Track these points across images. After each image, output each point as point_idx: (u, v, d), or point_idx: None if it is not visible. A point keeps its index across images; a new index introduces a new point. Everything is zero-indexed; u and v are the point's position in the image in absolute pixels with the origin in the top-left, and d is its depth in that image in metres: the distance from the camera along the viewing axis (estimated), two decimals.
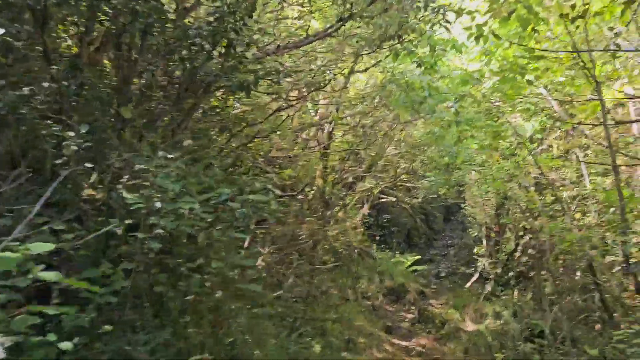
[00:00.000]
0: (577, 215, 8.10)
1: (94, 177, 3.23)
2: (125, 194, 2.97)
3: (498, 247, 10.61)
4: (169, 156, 3.29)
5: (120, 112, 3.66)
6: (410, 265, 14.25)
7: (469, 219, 18.35)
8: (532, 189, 8.32)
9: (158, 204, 2.90)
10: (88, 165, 3.15)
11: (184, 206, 2.78)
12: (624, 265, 6.64)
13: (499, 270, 10.25)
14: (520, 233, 10.43)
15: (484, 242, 12.61)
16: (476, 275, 13.62)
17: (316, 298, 5.02)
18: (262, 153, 8.01)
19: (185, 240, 3.38)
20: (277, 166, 8.39)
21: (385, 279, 10.97)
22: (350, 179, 10.76)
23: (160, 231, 2.91)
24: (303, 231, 8.65)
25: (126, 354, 2.83)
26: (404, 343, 8.43)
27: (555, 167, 7.99)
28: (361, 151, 9.88)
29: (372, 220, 16.18)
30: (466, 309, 9.71)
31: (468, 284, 13.40)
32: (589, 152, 8.05)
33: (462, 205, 19.24)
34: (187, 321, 3.40)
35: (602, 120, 6.57)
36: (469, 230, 18.52)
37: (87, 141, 3.16)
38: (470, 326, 9.19)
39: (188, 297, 3.52)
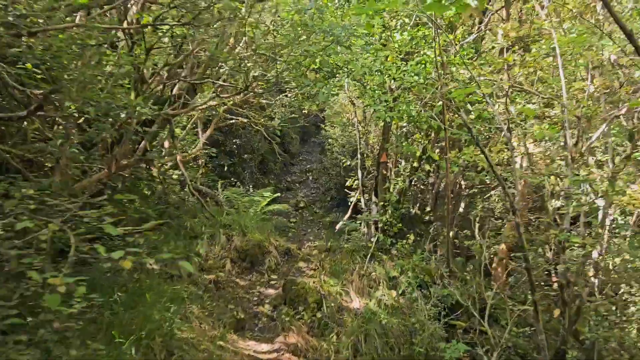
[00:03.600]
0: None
1: None
2: None
3: (386, 184, 7.85)
4: None
5: None
6: (267, 204, 11.16)
7: (330, 140, 16.30)
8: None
9: None
10: None
11: None
12: None
13: (386, 217, 7.56)
14: (415, 164, 7.80)
15: (359, 173, 9.92)
16: (348, 214, 11.13)
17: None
18: None
19: None
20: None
21: (234, 235, 7.68)
22: (177, 90, 6.91)
23: None
24: (88, 180, 4.79)
25: None
26: (265, 348, 5.39)
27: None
28: (189, 42, 6.03)
29: (218, 149, 12.50)
30: (348, 275, 6.95)
31: (339, 225, 10.84)
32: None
33: (322, 125, 16.93)
34: None
35: None
36: (329, 153, 16.47)
37: None
38: (356, 302, 6.47)
39: None
